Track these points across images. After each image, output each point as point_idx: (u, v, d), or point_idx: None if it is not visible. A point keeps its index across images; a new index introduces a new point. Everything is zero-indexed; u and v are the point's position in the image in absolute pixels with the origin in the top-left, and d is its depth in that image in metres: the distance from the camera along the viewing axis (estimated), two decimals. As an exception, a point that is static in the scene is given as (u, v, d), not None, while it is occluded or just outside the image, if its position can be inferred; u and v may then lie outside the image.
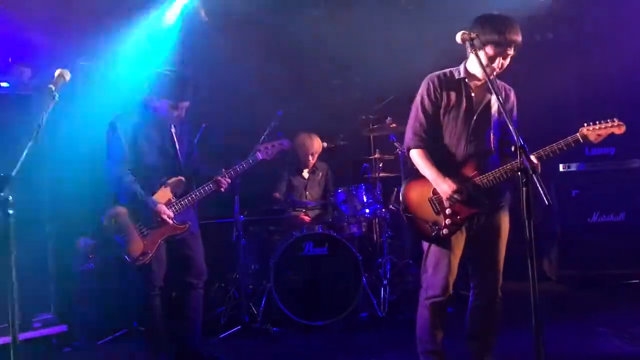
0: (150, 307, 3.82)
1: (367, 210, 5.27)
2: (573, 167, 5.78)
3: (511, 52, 2.93)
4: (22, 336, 4.31)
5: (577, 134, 2.92)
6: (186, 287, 3.90)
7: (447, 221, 3.02)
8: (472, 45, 2.70)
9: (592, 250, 5.63)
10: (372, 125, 5.52)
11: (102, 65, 5.72)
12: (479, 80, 3.07)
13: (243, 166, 4.00)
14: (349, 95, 6.64)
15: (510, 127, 2.52)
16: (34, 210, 4.58)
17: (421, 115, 3.12)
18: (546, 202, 2.25)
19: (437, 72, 3.16)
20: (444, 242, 3.06)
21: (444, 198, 3.00)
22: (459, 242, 3.11)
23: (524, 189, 2.36)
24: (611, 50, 6.13)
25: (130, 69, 5.73)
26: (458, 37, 2.76)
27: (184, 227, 3.79)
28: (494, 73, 2.98)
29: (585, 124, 2.93)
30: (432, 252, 3.12)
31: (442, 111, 3.09)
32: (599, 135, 2.91)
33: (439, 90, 3.09)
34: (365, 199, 5.27)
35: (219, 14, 5.76)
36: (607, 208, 5.69)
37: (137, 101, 3.90)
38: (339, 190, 5.33)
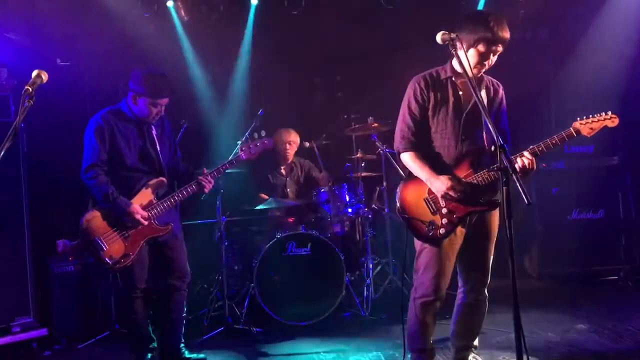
0: (132, 309, 3.79)
1: (350, 210, 5.29)
2: (553, 165, 5.84)
3: (500, 48, 2.95)
4: (1, 341, 4.28)
5: (571, 128, 2.93)
6: (169, 289, 3.87)
7: (444, 221, 3.02)
8: (454, 46, 2.70)
9: (572, 247, 5.69)
10: (355, 124, 5.53)
11: (81, 65, 5.68)
12: (464, 77, 3.06)
13: (226, 166, 3.98)
14: (331, 94, 6.66)
15: (490, 125, 2.53)
16: (11, 212, 4.52)
17: (408, 117, 3.12)
18: (526, 201, 2.28)
19: (423, 73, 3.15)
20: (439, 243, 3.06)
21: (439, 196, 3.00)
22: (455, 244, 3.09)
23: (504, 188, 2.39)
24: (589, 50, 6.21)
25: (109, 68, 5.69)
26: (438, 38, 2.76)
27: (166, 228, 3.76)
28: (484, 70, 3.01)
29: (579, 118, 2.93)
30: (425, 252, 3.11)
31: (430, 112, 3.09)
32: (592, 129, 2.92)
33: (425, 92, 3.08)
34: (347, 199, 5.28)
35: (200, 12, 5.73)
36: (587, 205, 5.76)
37: (115, 100, 3.87)
38: (322, 190, 5.33)
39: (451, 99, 3.07)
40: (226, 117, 5.99)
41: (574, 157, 5.83)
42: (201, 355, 4.03)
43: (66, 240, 4.76)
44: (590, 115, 2.93)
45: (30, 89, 2.47)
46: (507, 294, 2.42)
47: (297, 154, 5.84)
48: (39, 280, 4.65)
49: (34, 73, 2.53)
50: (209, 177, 3.89)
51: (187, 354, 3.96)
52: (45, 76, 2.55)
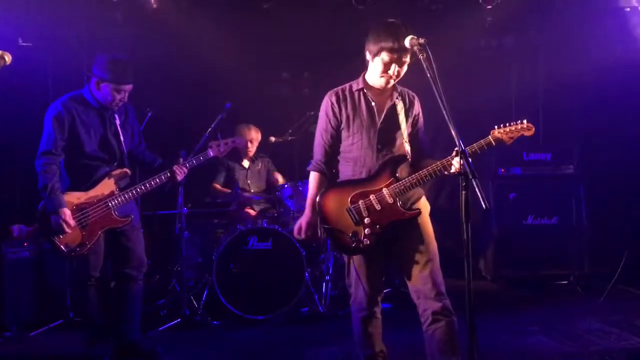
0: (86, 297, 3.76)
1: (312, 206, 5.31)
2: (511, 171, 5.98)
3: (407, 59, 2.95)
4: (-51, 326, 4.16)
5: (490, 136, 2.94)
6: (125, 279, 3.83)
7: (367, 231, 2.95)
8: (421, 51, 2.72)
9: (526, 251, 5.86)
10: (320, 121, 5.54)
11: (44, 47, 5.55)
12: (377, 89, 3.09)
13: (193, 162, 3.94)
14: (298, 90, 6.67)
15: (452, 131, 2.57)
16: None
17: (320, 136, 3.15)
18: (484, 206, 2.34)
19: (335, 89, 3.16)
20: (364, 254, 3.02)
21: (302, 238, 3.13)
22: (377, 254, 3.05)
23: (463, 192, 2.44)
24: (552, 58, 6.39)
25: (73, 52, 5.58)
26: (407, 42, 2.80)
27: (125, 220, 3.72)
28: (391, 81, 3.02)
29: (497, 127, 2.96)
30: (352, 266, 3.09)
31: (344, 125, 3.09)
32: (510, 137, 2.94)
33: (336, 106, 3.09)
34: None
35: (170, 1, 5.67)
36: (542, 211, 5.91)
37: (79, 85, 3.80)
38: (286, 186, 5.35)
39: (364, 110, 3.07)
40: (192, 108, 5.94)
41: (532, 164, 5.98)
42: (157, 347, 4.00)
43: (22, 225, 4.66)
44: (508, 124, 2.96)
45: (-6, 71, 2.42)
46: (461, 294, 2.48)
47: (260, 149, 5.85)
48: (-8, 265, 4.54)
49: (-3, 54, 2.48)
50: (184, 168, 3.86)
51: (142, 345, 3.92)
52: (8, 57, 2.51)
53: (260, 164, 5.86)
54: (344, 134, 3.11)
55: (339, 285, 5.34)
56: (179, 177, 3.85)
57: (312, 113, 5.67)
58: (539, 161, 5.99)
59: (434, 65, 2.65)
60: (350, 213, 2.99)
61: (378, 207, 2.98)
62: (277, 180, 5.79)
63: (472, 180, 2.43)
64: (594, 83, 6.10)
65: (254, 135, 5.71)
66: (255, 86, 6.16)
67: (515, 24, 6.31)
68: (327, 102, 3.13)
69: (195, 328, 4.59)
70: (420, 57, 2.70)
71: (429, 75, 2.65)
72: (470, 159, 2.51)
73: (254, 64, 6.06)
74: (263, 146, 5.86)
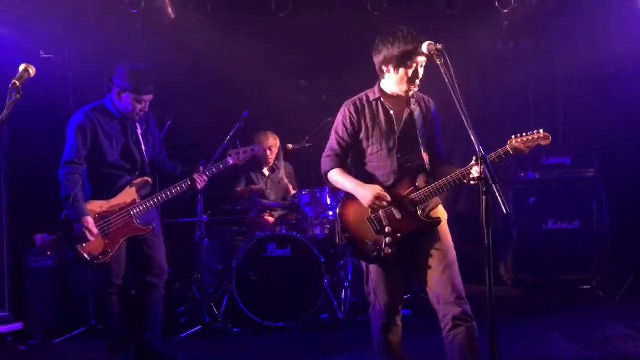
0: (107, 305, 3.80)
1: (331, 213, 5.31)
2: (531, 175, 5.94)
3: (422, 59, 2.94)
4: (-25, 334, 4.23)
5: (507, 146, 2.93)
6: (147, 287, 3.87)
7: (388, 240, 2.96)
8: (439, 57, 2.72)
9: (547, 256, 5.80)
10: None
11: (64, 59, 5.64)
12: (394, 97, 3.08)
13: (213, 170, 3.97)
14: (315, 97, 6.70)
15: (472, 136, 2.55)
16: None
17: (334, 141, 3.13)
18: (505, 211, 2.33)
19: (353, 98, 3.15)
20: (386, 263, 3.02)
21: (366, 205, 2.95)
22: (396, 262, 3.03)
23: (483, 197, 2.43)
24: (571, 60, 6.32)
25: (93, 63, 5.66)
26: (424, 48, 2.79)
27: (147, 228, 3.77)
28: (414, 88, 3.01)
29: (514, 136, 2.96)
30: (372, 275, 3.08)
31: (363, 135, 3.08)
32: (527, 147, 2.94)
33: (355, 116, 3.08)
34: (329, 202, 5.31)
35: (188, 11, 5.73)
36: (562, 216, 5.86)
37: (99, 96, 3.86)
38: (304, 192, 5.36)
39: (383, 120, 3.07)
40: (211, 116, 5.99)
41: (551, 168, 5.94)
42: (178, 354, 4.02)
43: (45, 234, 4.74)
44: (525, 133, 2.95)
45: (18, 83, 2.47)
46: (482, 299, 2.46)
47: (285, 158, 5.86)
48: (16, 274, 4.61)
49: (22, 67, 2.53)
50: (204, 176, 3.89)
51: (163, 353, 3.95)
52: (32, 70, 2.55)
53: (281, 173, 5.86)
54: (363, 144, 3.09)
55: (358, 291, 5.32)
56: (200, 186, 3.88)
57: (329, 120, 5.68)
58: (558, 165, 5.94)
59: (452, 71, 2.64)
60: (372, 222, 3.00)
61: (399, 216, 2.98)
62: (288, 190, 5.80)
63: (493, 185, 2.42)
64: (613, 84, 6.03)
65: (272, 142, 5.72)
66: (272, 94, 6.18)
67: (532, 27, 6.27)
68: (346, 112, 3.12)
69: (215, 335, 4.62)
70: (438, 62, 2.70)
71: (447, 80, 2.64)
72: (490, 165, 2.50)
73: (271, 71, 6.10)
74: (286, 155, 5.86)
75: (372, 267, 3.08)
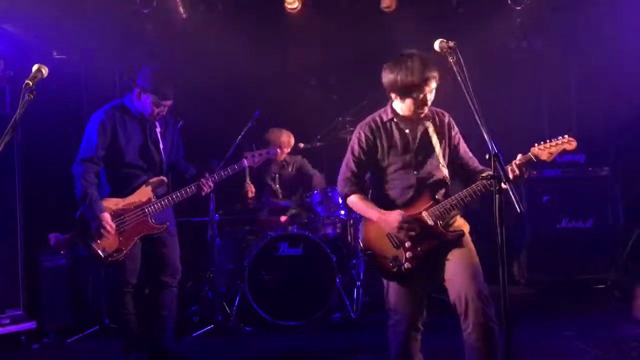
0: (122, 304, 3.80)
1: (342, 212, 5.31)
2: (544, 173, 5.89)
3: (434, 84, 2.92)
4: (-10, 332, 4.27)
5: (529, 153, 2.89)
6: (160, 286, 3.88)
7: (408, 254, 2.94)
8: (451, 54, 2.69)
9: (561, 255, 5.75)
10: (349, 127, 5.55)
11: (77, 59, 5.68)
12: (407, 116, 3.06)
13: (228, 172, 3.96)
14: (326, 97, 6.69)
15: (485, 135, 2.53)
16: (4, 204, 4.52)
17: (352, 163, 3.12)
18: (518, 209, 2.30)
19: (367, 120, 3.14)
20: (405, 278, 2.98)
21: (395, 232, 2.93)
22: (419, 276, 3.00)
23: (496, 196, 2.41)
24: (584, 58, 6.27)
25: (106, 63, 5.69)
26: (436, 45, 2.75)
27: (162, 226, 3.77)
28: (425, 108, 2.98)
29: (537, 144, 2.91)
30: (392, 290, 3.05)
31: (380, 156, 3.07)
32: (550, 153, 2.90)
33: (371, 138, 3.07)
34: (340, 201, 5.30)
35: (199, 11, 5.75)
36: (576, 214, 5.81)
37: (112, 95, 3.88)
38: (315, 192, 5.36)
39: (398, 140, 3.06)
40: (222, 116, 6.00)
41: (565, 166, 5.89)
42: (190, 354, 4.04)
43: (58, 233, 4.77)
44: (548, 140, 2.91)
45: (31, 83, 2.48)
46: (496, 299, 2.45)
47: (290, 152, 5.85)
48: (30, 273, 4.65)
49: (35, 67, 2.54)
50: (210, 181, 3.89)
51: (176, 352, 3.96)
52: (45, 70, 2.56)
53: (290, 168, 5.83)
54: (381, 164, 3.08)
55: (370, 291, 5.32)
56: (204, 191, 3.87)
57: (340, 119, 5.68)
58: (572, 163, 5.89)
59: (464, 68, 2.62)
60: (391, 237, 2.98)
61: (418, 230, 2.95)
62: (315, 179, 5.69)
63: (507, 184, 2.40)
64: (628, 82, 5.96)
65: (285, 139, 5.65)
66: (284, 93, 6.19)
67: (545, 25, 6.22)
68: (362, 135, 3.10)
69: (227, 334, 4.63)
70: (450, 60, 2.67)
71: (459, 78, 2.61)
72: (503, 163, 2.48)
73: (282, 71, 6.11)
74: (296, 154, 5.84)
75: (392, 284, 3.05)
